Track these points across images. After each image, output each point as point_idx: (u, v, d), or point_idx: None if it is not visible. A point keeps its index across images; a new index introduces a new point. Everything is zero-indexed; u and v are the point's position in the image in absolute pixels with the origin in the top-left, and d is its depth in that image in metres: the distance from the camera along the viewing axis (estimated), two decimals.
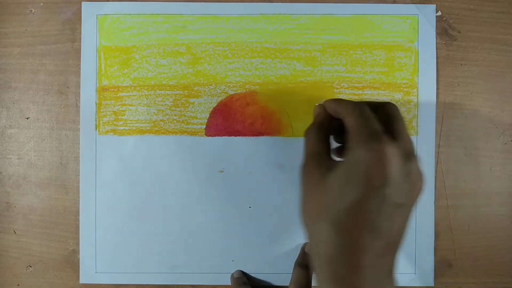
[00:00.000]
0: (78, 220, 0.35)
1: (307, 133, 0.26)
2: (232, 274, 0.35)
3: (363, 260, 0.22)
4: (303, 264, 0.33)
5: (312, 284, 0.33)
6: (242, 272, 0.35)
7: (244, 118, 0.34)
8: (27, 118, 0.35)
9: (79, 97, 0.35)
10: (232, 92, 0.35)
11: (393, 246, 0.23)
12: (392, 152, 0.22)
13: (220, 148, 0.34)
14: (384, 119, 0.24)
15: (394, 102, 0.26)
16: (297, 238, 0.35)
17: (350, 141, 0.23)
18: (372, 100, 0.27)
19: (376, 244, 0.22)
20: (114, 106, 0.35)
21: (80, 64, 0.35)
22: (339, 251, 0.22)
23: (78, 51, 0.35)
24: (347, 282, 0.22)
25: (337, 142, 0.28)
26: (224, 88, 0.35)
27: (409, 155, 0.23)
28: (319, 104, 0.28)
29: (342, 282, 0.22)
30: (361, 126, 0.23)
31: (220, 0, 0.34)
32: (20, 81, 0.35)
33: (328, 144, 0.25)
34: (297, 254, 0.34)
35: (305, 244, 0.34)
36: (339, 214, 0.22)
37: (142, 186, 0.35)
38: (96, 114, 0.34)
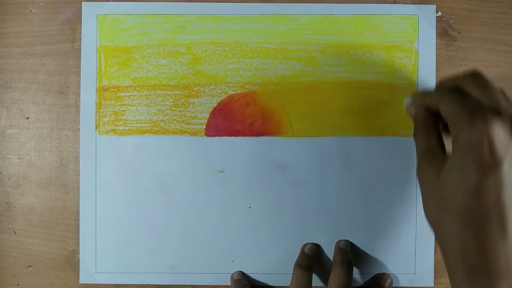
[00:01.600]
0: (78, 220, 0.35)
1: (414, 136, 0.26)
2: (232, 275, 0.35)
3: (494, 247, 0.21)
4: (303, 265, 0.33)
5: (320, 285, 0.33)
6: (242, 273, 0.35)
7: (244, 118, 0.34)
8: (27, 118, 0.35)
9: (79, 97, 0.35)
10: (232, 92, 0.35)
11: None
12: (496, 127, 0.21)
13: (220, 148, 0.34)
14: (477, 91, 0.23)
15: (475, 70, 0.24)
16: (297, 239, 0.35)
17: (452, 130, 0.23)
18: (445, 79, 0.27)
19: (506, 229, 0.21)
20: (114, 106, 0.35)
21: (80, 64, 0.35)
22: (468, 243, 0.21)
23: (78, 51, 0.35)
24: (482, 273, 0.21)
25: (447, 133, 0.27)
26: (224, 88, 0.35)
27: None
28: (409, 104, 0.27)
29: (476, 275, 0.21)
30: (457, 110, 0.23)
31: (220, 0, 0.34)
32: (20, 81, 0.35)
33: (438, 140, 0.25)
34: (297, 255, 0.34)
35: (305, 245, 0.34)
36: (460, 205, 0.22)
37: (142, 186, 0.35)
38: (96, 114, 0.34)
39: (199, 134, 0.35)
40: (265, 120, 0.35)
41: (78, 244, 0.35)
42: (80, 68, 0.35)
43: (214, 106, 0.35)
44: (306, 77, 0.34)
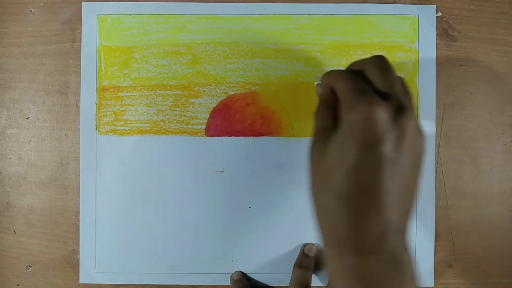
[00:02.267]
0: (78, 220, 0.35)
1: (315, 113, 0.26)
2: (232, 275, 0.35)
3: (366, 223, 0.22)
4: (303, 265, 0.33)
5: (312, 285, 0.33)
6: (242, 273, 0.35)
7: (244, 118, 0.34)
8: (27, 118, 0.35)
9: (79, 97, 0.35)
10: (232, 92, 0.35)
11: (402, 208, 0.22)
12: (378, 110, 0.22)
13: (220, 148, 0.34)
14: (376, 75, 0.24)
15: (380, 55, 0.25)
16: (297, 239, 0.35)
17: (342, 110, 0.23)
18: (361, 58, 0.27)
19: (380, 207, 0.22)
20: (114, 106, 0.35)
21: (80, 64, 0.35)
22: (341, 217, 0.22)
23: (78, 51, 0.35)
24: (351, 249, 0.22)
25: None
26: (224, 88, 0.35)
27: (401, 110, 0.22)
28: (318, 83, 0.28)
29: (345, 249, 0.22)
30: (347, 90, 0.23)
31: (220, 0, 0.34)
32: (20, 81, 0.35)
33: (334, 121, 0.25)
34: (297, 255, 0.34)
35: (304, 245, 0.34)
36: (338, 181, 0.22)
37: (142, 186, 0.35)
38: (96, 114, 0.34)
39: (199, 134, 0.34)
40: (265, 120, 0.35)
41: (78, 244, 0.35)
42: (80, 68, 0.35)
43: (214, 106, 0.35)
44: (306, 77, 0.34)
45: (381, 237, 0.22)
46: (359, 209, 0.22)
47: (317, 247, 0.34)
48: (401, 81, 0.25)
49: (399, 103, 0.23)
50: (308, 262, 0.33)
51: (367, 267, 0.22)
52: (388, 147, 0.22)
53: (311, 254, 0.34)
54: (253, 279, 0.35)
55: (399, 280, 0.22)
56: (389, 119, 0.22)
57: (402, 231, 0.23)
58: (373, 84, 0.24)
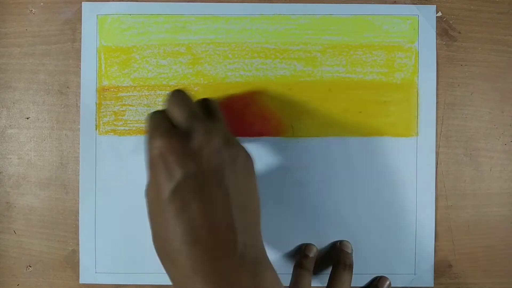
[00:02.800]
0: (78, 220, 0.35)
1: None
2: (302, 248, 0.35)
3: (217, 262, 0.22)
4: (304, 265, 0.33)
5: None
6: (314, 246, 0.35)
7: (244, 118, 0.34)
8: (27, 118, 0.35)
9: (79, 97, 0.35)
10: (232, 93, 0.35)
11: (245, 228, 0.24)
12: (166, 143, 0.24)
13: None
14: (173, 110, 0.26)
15: (174, 90, 0.27)
16: (298, 239, 0.35)
17: None
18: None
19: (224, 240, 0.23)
20: (114, 106, 0.35)
21: (80, 64, 0.35)
22: (188, 261, 0.23)
23: (78, 51, 0.35)
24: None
25: None
26: (224, 89, 0.34)
27: (203, 134, 0.24)
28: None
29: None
30: (148, 130, 0.26)
31: (220, 1, 0.34)
32: (20, 81, 0.35)
33: None
34: (297, 255, 0.34)
35: (304, 245, 0.34)
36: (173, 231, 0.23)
37: (142, 186, 0.34)
38: (96, 114, 0.34)
39: None
40: (265, 120, 0.35)
41: (78, 244, 0.35)
42: (80, 68, 0.35)
43: None
44: (306, 77, 0.34)
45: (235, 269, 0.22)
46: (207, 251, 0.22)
47: (316, 248, 0.34)
48: (202, 106, 0.27)
49: (198, 129, 0.24)
50: (308, 263, 0.33)
51: None
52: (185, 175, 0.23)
53: (311, 254, 0.34)
54: None
55: None
56: (180, 151, 0.23)
57: (251, 247, 0.24)
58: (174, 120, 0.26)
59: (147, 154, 0.25)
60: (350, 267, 0.33)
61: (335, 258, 0.34)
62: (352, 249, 0.34)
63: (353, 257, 0.34)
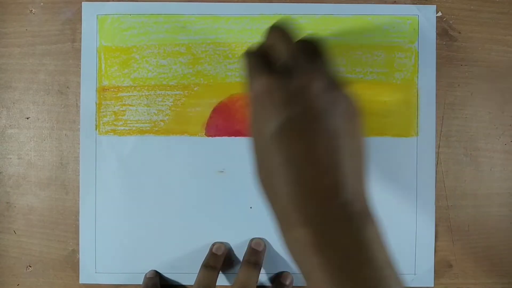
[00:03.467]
0: (78, 220, 0.35)
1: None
2: (146, 274, 0.34)
3: (317, 193, 0.22)
4: (209, 264, 0.33)
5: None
6: (156, 271, 0.34)
7: (244, 119, 0.34)
8: (27, 118, 0.35)
9: (79, 97, 0.35)
10: (232, 93, 0.34)
11: (353, 173, 0.23)
12: (268, 84, 0.23)
13: (220, 148, 0.34)
14: (278, 47, 0.25)
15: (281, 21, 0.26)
16: None
17: None
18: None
19: (330, 174, 0.22)
20: (114, 106, 0.34)
21: (80, 64, 0.35)
22: (291, 190, 0.22)
23: (78, 51, 0.35)
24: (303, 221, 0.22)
25: None
26: (224, 88, 0.34)
27: (308, 79, 0.23)
28: None
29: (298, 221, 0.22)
30: (246, 68, 0.25)
31: (221, 0, 0.34)
32: (20, 81, 0.35)
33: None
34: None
35: (213, 244, 0.34)
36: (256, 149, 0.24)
37: (142, 186, 0.35)
38: (96, 114, 0.34)
39: (199, 134, 0.34)
40: None
41: (78, 244, 0.35)
42: (80, 68, 0.35)
43: (214, 106, 0.35)
44: None
45: (336, 206, 0.22)
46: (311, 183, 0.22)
47: (225, 246, 0.34)
48: (305, 46, 0.25)
49: (302, 73, 0.23)
50: (214, 262, 0.33)
51: (322, 235, 0.21)
52: (295, 117, 0.22)
53: (219, 253, 0.33)
54: (167, 278, 0.35)
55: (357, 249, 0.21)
56: (283, 93, 0.23)
57: (359, 195, 0.23)
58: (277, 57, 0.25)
59: (249, 92, 0.24)
60: (256, 264, 0.32)
61: (244, 256, 0.34)
62: (264, 247, 0.34)
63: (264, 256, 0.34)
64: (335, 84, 0.24)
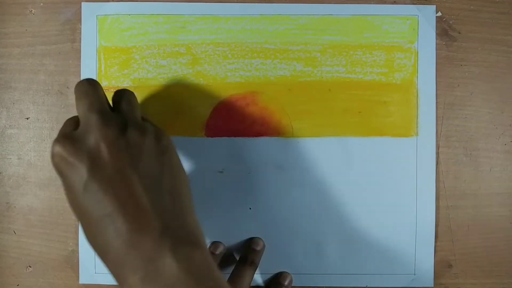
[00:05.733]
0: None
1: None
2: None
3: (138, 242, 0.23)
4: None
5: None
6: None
7: (244, 119, 0.34)
8: (27, 118, 0.35)
9: None
10: (232, 93, 0.35)
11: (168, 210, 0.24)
12: (59, 147, 0.25)
13: (220, 148, 0.34)
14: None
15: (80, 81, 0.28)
16: (298, 240, 0.35)
17: None
18: None
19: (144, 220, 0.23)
20: None
21: (80, 64, 0.35)
22: (114, 240, 0.24)
23: (78, 52, 0.35)
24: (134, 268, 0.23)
25: None
26: (224, 89, 0.34)
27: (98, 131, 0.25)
28: None
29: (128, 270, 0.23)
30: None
31: (220, 1, 0.34)
32: (20, 81, 0.35)
33: None
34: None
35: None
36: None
37: None
38: None
39: (199, 134, 0.34)
40: (265, 120, 0.35)
41: (78, 244, 0.35)
42: (80, 68, 0.35)
43: (214, 106, 0.35)
44: (306, 77, 0.34)
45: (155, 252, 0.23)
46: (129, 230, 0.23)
47: (223, 245, 0.34)
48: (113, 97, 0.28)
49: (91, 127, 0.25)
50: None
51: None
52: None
53: (217, 252, 0.34)
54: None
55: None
56: (77, 148, 0.24)
57: (178, 230, 0.24)
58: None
59: (52, 164, 0.26)
60: (252, 263, 0.32)
61: (242, 253, 0.34)
62: (262, 247, 0.34)
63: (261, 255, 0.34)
64: (135, 126, 0.25)
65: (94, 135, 0.24)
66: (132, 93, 0.29)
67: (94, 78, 0.34)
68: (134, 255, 0.23)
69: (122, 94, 0.28)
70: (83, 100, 0.26)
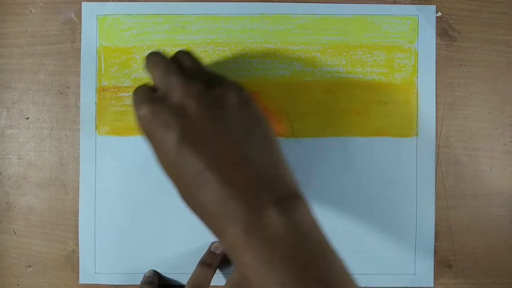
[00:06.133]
0: (78, 220, 0.35)
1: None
2: (145, 273, 0.34)
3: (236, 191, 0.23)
4: (206, 262, 0.33)
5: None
6: (155, 271, 0.34)
7: None
8: (27, 118, 0.35)
9: (79, 97, 0.35)
10: None
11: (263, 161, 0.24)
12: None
13: None
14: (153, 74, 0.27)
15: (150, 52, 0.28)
16: None
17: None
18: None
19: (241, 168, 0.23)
20: (114, 106, 0.34)
21: (80, 64, 0.35)
22: (215, 194, 0.23)
23: (78, 51, 0.35)
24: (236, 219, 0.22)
25: None
26: None
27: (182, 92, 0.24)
28: None
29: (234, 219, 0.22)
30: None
31: (220, 0, 0.34)
32: (20, 81, 0.35)
33: None
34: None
35: (212, 243, 0.34)
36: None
37: (142, 187, 0.35)
38: (96, 114, 0.34)
39: None
40: None
41: (78, 244, 0.35)
42: (80, 68, 0.35)
43: None
44: (306, 77, 0.34)
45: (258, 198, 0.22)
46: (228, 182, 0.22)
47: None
48: (177, 59, 0.28)
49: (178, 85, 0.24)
50: (212, 260, 0.33)
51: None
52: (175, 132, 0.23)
53: (217, 251, 0.33)
54: (166, 278, 0.34)
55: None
56: (165, 109, 0.24)
57: (279, 180, 0.23)
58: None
59: (139, 122, 0.25)
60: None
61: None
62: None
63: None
64: (213, 80, 0.25)
65: (180, 93, 0.24)
66: (192, 51, 0.29)
67: (94, 78, 0.34)
68: (234, 207, 0.22)
69: (186, 55, 0.28)
70: (158, 66, 0.26)
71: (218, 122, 0.24)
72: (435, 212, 0.35)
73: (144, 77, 0.34)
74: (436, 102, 0.35)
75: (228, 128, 0.24)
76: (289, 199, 0.23)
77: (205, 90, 0.24)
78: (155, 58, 0.27)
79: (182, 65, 0.27)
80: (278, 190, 0.23)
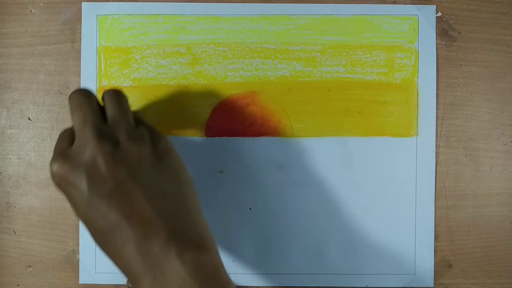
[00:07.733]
0: (78, 220, 0.35)
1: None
2: None
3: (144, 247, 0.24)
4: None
5: None
6: None
7: (244, 119, 0.34)
8: (28, 119, 0.35)
9: None
10: (232, 93, 0.35)
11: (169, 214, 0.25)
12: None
13: (220, 148, 0.34)
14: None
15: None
16: (298, 240, 0.35)
17: None
18: None
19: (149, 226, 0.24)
20: None
21: (80, 64, 0.35)
22: (123, 245, 0.25)
23: (78, 51, 0.35)
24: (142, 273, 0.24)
25: None
26: (224, 88, 0.35)
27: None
28: None
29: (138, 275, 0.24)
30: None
31: (220, 1, 0.34)
32: (20, 81, 0.35)
33: None
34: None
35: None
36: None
37: None
38: None
39: (199, 134, 0.35)
40: (265, 120, 0.35)
41: (78, 244, 0.35)
42: (80, 68, 0.35)
43: (214, 106, 0.35)
44: (306, 77, 0.34)
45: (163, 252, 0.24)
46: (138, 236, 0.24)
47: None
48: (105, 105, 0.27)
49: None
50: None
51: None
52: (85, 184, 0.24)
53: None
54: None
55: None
56: (73, 165, 0.24)
57: (183, 232, 0.25)
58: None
59: (52, 176, 0.26)
60: None
61: None
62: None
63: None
64: (133, 133, 0.26)
65: (90, 150, 0.24)
66: (121, 94, 0.28)
67: (94, 78, 0.34)
68: (143, 261, 0.23)
69: (111, 98, 0.27)
70: (77, 113, 0.26)
71: (126, 180, 0.24)
72: (435, 212, 0.35)
73: (144, 77, 0.34)
74: (436, 102, 0.35)
75: (137, 186, 0.24)
76: (192, 250, 0.24)
77: (116, 147, 0.25)
78: (77, 99, 0.26)
79: (106, 110, 0.27)
80: (183, 242, 0.24)
